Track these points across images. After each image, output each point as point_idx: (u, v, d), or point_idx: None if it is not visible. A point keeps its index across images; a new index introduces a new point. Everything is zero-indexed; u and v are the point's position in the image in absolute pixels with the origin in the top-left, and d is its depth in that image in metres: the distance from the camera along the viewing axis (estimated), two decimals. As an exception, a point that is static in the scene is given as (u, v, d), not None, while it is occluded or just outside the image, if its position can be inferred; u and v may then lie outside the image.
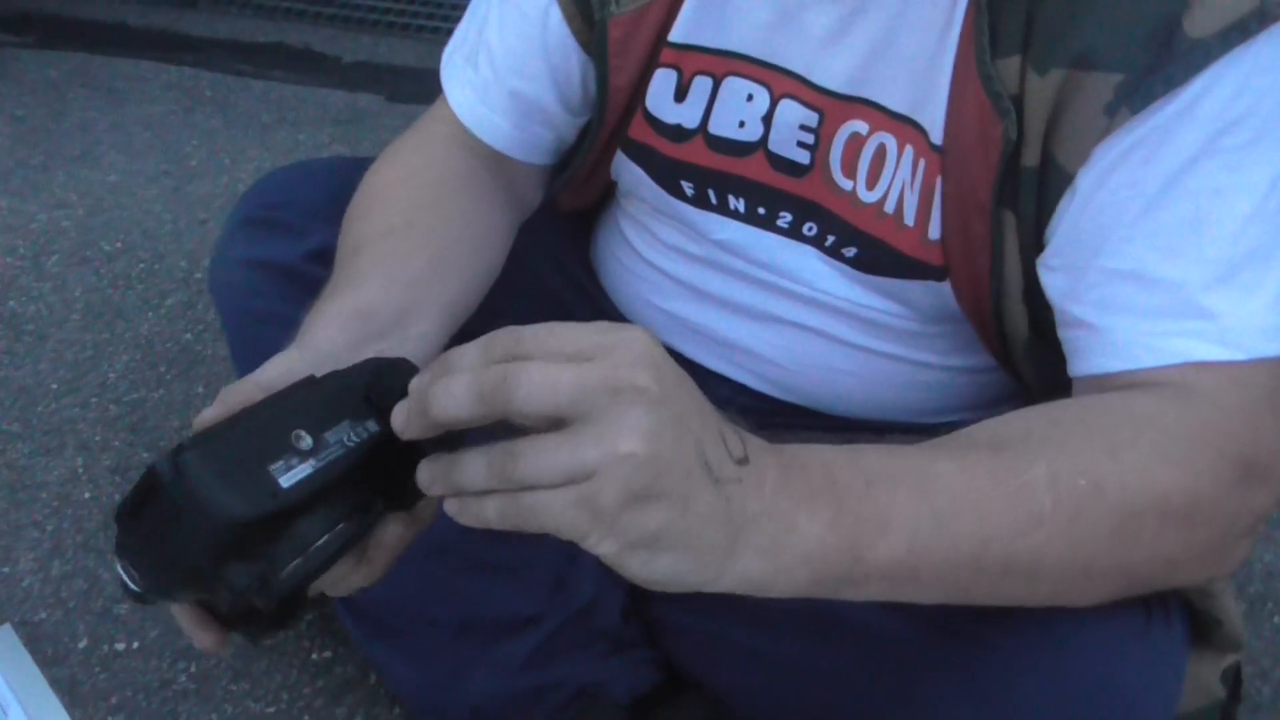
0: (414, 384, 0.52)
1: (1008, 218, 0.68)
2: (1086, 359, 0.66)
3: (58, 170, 1.83)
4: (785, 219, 0.79)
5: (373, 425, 0.54)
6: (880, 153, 0.74)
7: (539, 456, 0.47)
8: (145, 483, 0.50)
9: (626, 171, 0.85)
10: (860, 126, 0.74)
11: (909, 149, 0.72)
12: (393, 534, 0.59)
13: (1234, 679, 0.74)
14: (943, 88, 0.69)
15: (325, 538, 0.52)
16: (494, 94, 0.85)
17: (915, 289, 0.76)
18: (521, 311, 0.87)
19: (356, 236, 0.77)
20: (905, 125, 0.72)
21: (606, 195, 0.95)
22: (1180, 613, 0.68)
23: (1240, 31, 0.61)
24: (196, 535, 0.49)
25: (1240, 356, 0.61)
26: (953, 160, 0.70)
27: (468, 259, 0.79)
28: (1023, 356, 0.74)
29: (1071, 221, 0.66)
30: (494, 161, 0.87)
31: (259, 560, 0.50)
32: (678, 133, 0.80)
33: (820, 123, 0.75)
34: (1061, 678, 0.62)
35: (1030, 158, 0.66)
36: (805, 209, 0.78)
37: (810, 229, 0.78)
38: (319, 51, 2.40)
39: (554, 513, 0.48)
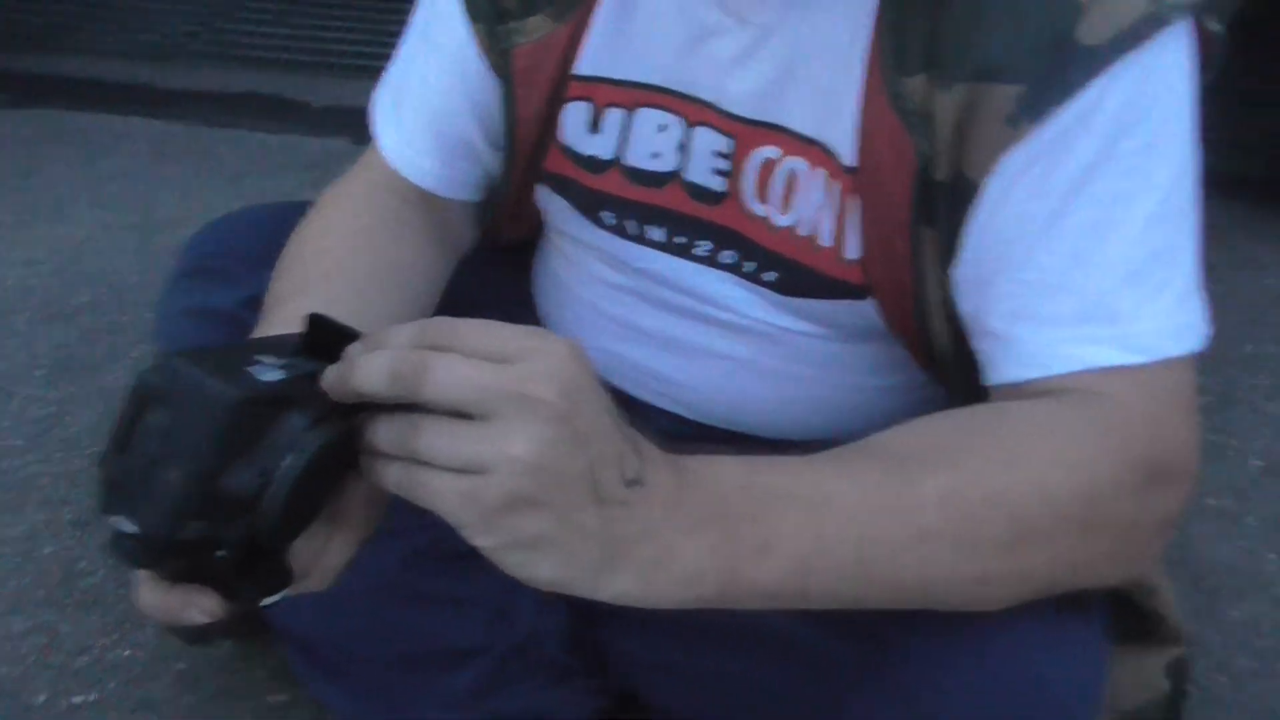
0: (349, 349, 0.54)
1: (926, 234, 0.68)
2: (997, 369, 0.66)
3: (27, 228, 1.84)
4: (703, 247, 0.79)
5: (324, 365, 0.55)
6: (792, 177, 0.74)
7: (437, 437, 0.50)
8: (133, 404, 0.51)
9: (550, 203, 0.86)
10: (771, 152, 0.74)
11: (820, 171, 0.72)
12: (363, 490, 0.59)
13: (1178, 672, 0.73)
14: (851, 109, 0.69)
15: (310, 433, 0.52)
16: (419, 133, 0.86)
17: (838, 309, 0.76)
18: None
19: (275, 294, 0.77)
20: (814, 148, 0.72)
21: (542, 227, 0.96)
22: (1101, 608, 0.68)
23: (1132, 37, 0.61)
24: (198, 430, 0.50)
25: (1143, 359, 0.61)
26: (867, 180, 0.70)
27: (394, 305, 0.79)
28: (951, 369, 0.74)
29: (978, 233, 0.66)
30: (424, 202, 0.87)
31: (256, 459, 0.51)
32: (593, 164, 0.81)
33: (733, 149, 0.76)
34: (978, 677, 0.62)
35: (942, 172, 0.66)
36: (722, 236, 0.78)
37: (728, 256, 0.79)
38: (290, 98, 2.43)
39: (440, 496, 0.50)
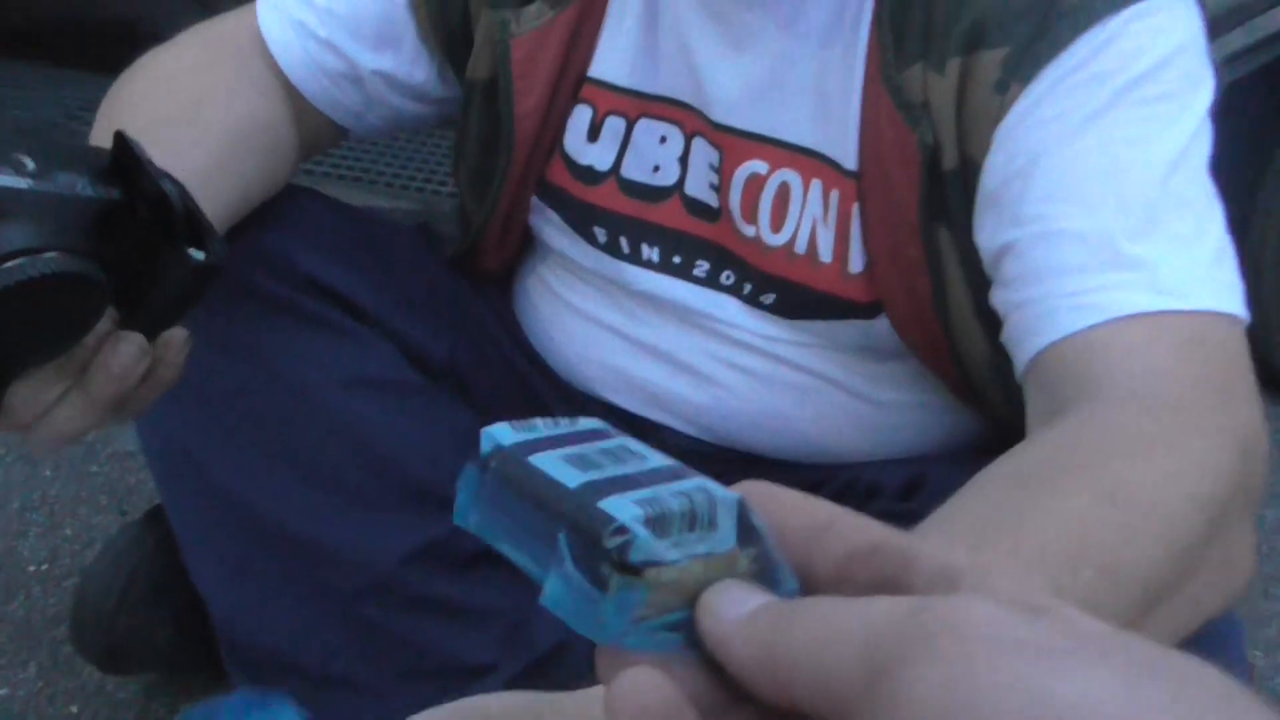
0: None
1: (941, 232, 0.64)
2: (1022, 344, 0.59)
3: None
4: (702, 268, 0.73)
5: (116, 194, 0.48)
6: (783, 192, 0.69)
7: None
8: None
9: (542, 219, 0.78)
10: (759, 166, 0.70)
11: (816, 183, 0.68)
12: (124, 355, 0.49)
13: None
14: (852, 111, 0.66)
15: (23, 260, 0.44)
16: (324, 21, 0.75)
17: (845, 330, 0.70)
18: (486, 384, 0.80)
19: (125, 124, 0.62)
20: (809, 158, 0.68)
21: (526, 250, 0.86)
22: None
23: None
24: None
25: (1181, 305, 0.55)
26: (872, 183, 0.66)
27: (255, 161, 0.70)
28: (987, 379, 0.67)
29: (990, 190, 0.61)
30: (289, 90, 0.77)
31: None
32: (589, 174, 0.75)
33: (721, 162, 0.71)
34: None
35: (949, 161, 0.62)
36: (720, 256, 0.72)
37: (728, 277, 0.73)
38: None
39: None
